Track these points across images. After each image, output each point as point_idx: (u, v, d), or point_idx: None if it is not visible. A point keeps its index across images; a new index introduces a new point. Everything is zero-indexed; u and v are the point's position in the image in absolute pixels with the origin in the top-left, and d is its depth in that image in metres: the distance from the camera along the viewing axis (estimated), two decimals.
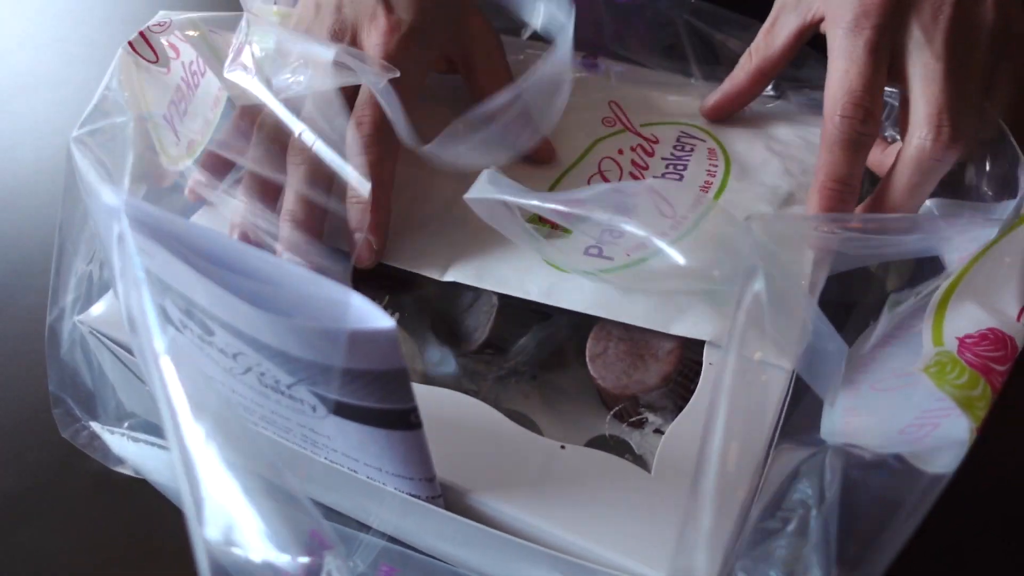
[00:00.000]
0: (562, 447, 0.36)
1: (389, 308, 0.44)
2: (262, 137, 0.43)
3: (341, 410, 0.30)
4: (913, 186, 0.40)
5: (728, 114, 0.50)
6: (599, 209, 0.37)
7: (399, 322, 0.43)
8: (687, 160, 0.48)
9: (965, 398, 0.32)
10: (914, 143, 0.39)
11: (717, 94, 0.50)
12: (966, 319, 0.34)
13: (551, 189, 0.46)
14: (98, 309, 0.42)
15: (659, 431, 0.38)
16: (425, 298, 0.45)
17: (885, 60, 0.41)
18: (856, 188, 0.41)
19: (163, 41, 0.46)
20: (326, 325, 0.26)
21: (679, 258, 0.36)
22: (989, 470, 0.39)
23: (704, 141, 0.49)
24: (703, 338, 0.39)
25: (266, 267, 0.28)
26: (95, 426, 0.44)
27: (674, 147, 0.49)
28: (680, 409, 0.37)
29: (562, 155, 0.48)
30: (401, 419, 0.30)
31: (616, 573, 0.32)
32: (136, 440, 0.41)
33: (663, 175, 0.47)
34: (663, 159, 0.48)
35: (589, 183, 0.46)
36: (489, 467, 0.36)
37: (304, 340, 0.27)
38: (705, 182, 0.46)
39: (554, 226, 0.42)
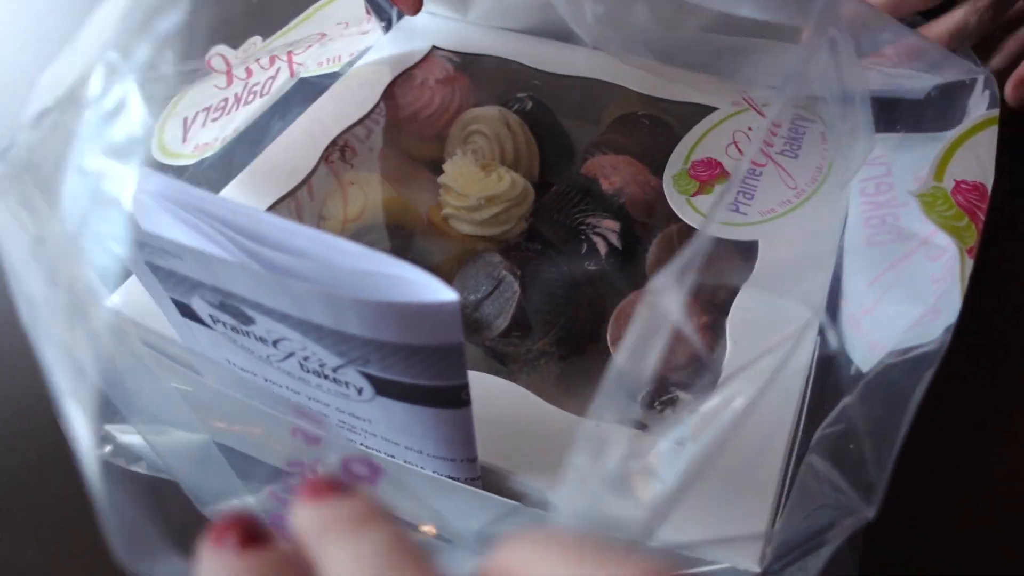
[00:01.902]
0: (597, 425, 0.36)
1: None
2: None
3: (390, 390, 0.30)
4: None
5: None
6: None
7: None
8: (801, 141, 0.51)
9: (951, 227, 0.37)
10: None
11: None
12: (965, 168, 0.40)
13: (693, 149, 0.51)
14: (118, 297, 0.41)
15: (692, 410, 0.38)
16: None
17: None
18: None
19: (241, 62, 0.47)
20: (392, 299, 0.26)
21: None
22: None
23: (815, 123, 0.53)
24: None
25: (316, 246, 0.28)
26: (109, 428, 0.43)
27: (790, 129, 0.52)
28: (711, 384, 0.37)
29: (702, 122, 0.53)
30: (452, 397, 0.30)
31: (662, 547, 0.32)
32: (160, 433, 0.40)
33: (782, 152, 0.51)
34: (783, 138, 0.52)
35: (726, 152, 0.51)
36: (528, 448, 0.36)
37: (366, 317, 0.26)
38: (819, 165, 0.50)
39: (701, 183, 0.48)
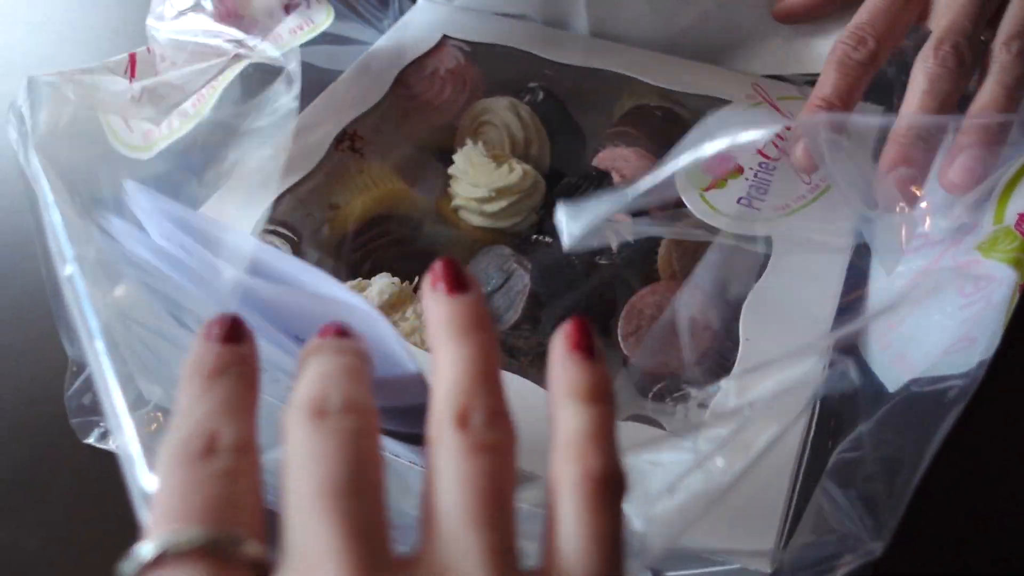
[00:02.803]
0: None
1: (418, 290, 0.44)
2: None
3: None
4: (923, 93, 0.40)
5: (796, 20, 0.52)
6: None
7: None
8: None
9: (1014, 259, 0.33)
10: (919, 57, 0.40)
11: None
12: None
13: None
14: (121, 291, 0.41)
15: (703, 405, 0.38)
16: None
17: (908, 3, 0.42)
18: (840, 110, 0.41)
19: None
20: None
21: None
22: None
23: None
24: None
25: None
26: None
27: None
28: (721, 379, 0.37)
29: None
30: None
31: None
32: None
33: None
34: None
35: None
36: (534, 443, 0.35)
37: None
38: None
39: (714, 177, 0.47)
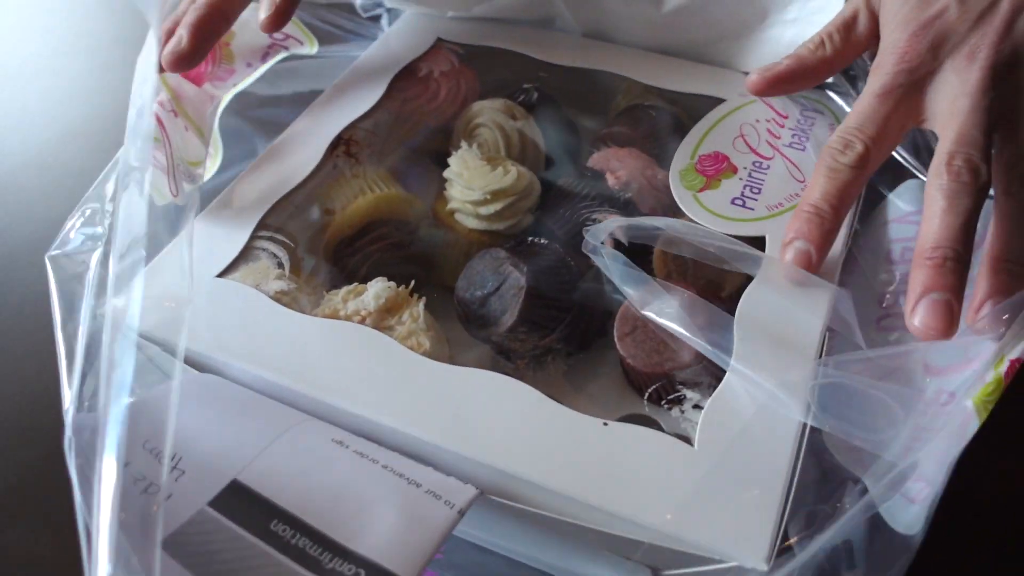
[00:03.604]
0: (604, 423, 0.36)
1: (415, 294, 0.44)
2: None
3: None
4: (942, 212, 0.37)
5: (781, 92, 0.50)
6: None
7: (426, 307, 0.43)
8: (810, 133, 0.51)
9: (983, 402, 0.32)
10: (931, 173, 0.39)
11: (780, 67, 0.48)
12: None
13: (699, 144, 0.51)
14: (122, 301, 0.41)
15: (698, 406, 0.38)
16: (450, 283, 0.45)
17: (899, 102, 0.41)
18: (829, 214, 0.40)
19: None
20: None
21: None
22: None
23: (823, 115, 0.52)
24: None
25: None
26: None
27: (799, 120, 0.52)
28: (717, 381, 0.37)
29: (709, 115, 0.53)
30: None
31: (671, 546, 0.32)
32: None
33: (790, 144, 0.50)
34: (790, 129, 0.51)
35: (733, 145, 0.50)
36: (531, 447, 0.35)
37: None
38: None
39: (708, 178, 0.48)
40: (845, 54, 0.47)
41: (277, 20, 0.50)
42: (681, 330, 0.38)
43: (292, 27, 0.56)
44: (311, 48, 0.57)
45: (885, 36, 0.43)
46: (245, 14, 0.50)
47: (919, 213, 0.40)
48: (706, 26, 0.56)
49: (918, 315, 0.35)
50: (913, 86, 0.41)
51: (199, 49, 0.47)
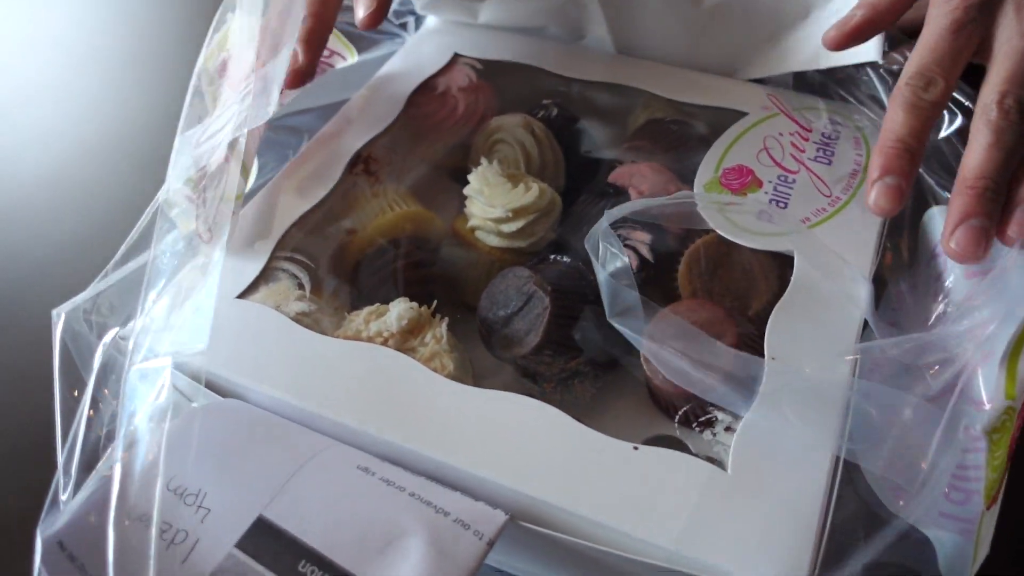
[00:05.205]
0: (635, 447, 0.35)
1: (437, 314, 0.43)
2: None
3: None
4: (989, 146, 0.39)
5: (857, 43, 0.49)
6: None
7: (448, 327, 0.42)
8: (835, 147, 0.50)
9: (990, 484, 0.31)
10: (980, 107, 0.40)
11: (855, 19, 0.48)
12: None
13: (723, 157, 0.50)
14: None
15: (730, 428, 0.38)
16: (472, 303, 0.44)
17: (970, 38, 0.41)
18: (916, 150, 0.41)
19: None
20: None
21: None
22: None
23: (847, 128, 0.52)
24: None
25: None
26: None
27: (823, 134, 0.51)
28: (749, 404, 0.36)
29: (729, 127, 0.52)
30: None
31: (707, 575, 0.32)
32: None
33: (815, 158, 0.50)
34: (815, 143, 0.51)
35: (757, 158, 0.50)
36: (560, 472, 0.35)
37: None
38: (853, 172, 0.49)
39: (733, 191, 0.47)
40: None
41: (377, 16, 0.50)
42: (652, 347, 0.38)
43: (335, 41, 0.56)
44: (352, 58, 0.57)
45: None
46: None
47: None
48: (746, 22, 0.55)
49: (955, 239, 0.38)
50: (982, 22, 0.41)
51: (314, 61, 0.49)
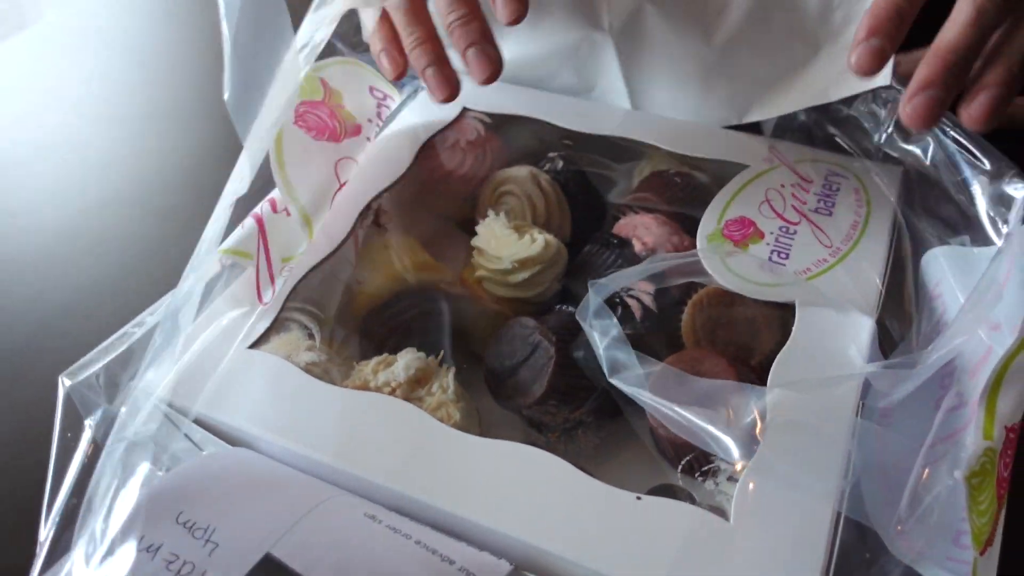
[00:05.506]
0: (638, 498, 0.36)
1: (444, 363, 0.44)
2: None
3: None
4: (969, 23, 0.39)
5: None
6: None
7: (455, 377, 0.43)
8: (835, 198, 0.51)
9: (979, 530, 0.31)
10: None
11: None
12: (1013, 404, 0.33)
13: (726, 209, 0.51)
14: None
15: (733, 478, 0.38)
16: (479, 352, 0.45)
17: None
18: (908, 14, 0.41)
19: None
20: None
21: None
22: None
23: (848, 179, 0.53)
24: None
25: None
26: None
27: (823, 185, 0.52)
28: (751, 453, 0.37)
29: (732, 179, 0.53)
30: None
31: None
32: None
33: (816, 210, 0.50)
34: (815, 195, 0.52)
35: (759, 210, 0.51)
36: (564, 522, 0.35)
37: None
38: (853, 223, 0.49)
39: (735, 243, 0.48)
40: None
41: (520, 9, 0.48)
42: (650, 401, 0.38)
43: (384, 83, 0.57)
44: (398, 99, 0.58)
45: None
46: (341, 77, 0.53)
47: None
48: (757, 59, 0.56)
49: (912, 104, 0.40)
50: None
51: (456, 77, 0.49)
